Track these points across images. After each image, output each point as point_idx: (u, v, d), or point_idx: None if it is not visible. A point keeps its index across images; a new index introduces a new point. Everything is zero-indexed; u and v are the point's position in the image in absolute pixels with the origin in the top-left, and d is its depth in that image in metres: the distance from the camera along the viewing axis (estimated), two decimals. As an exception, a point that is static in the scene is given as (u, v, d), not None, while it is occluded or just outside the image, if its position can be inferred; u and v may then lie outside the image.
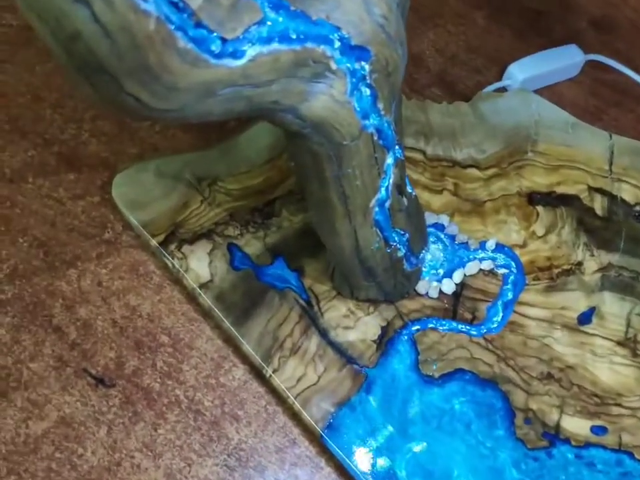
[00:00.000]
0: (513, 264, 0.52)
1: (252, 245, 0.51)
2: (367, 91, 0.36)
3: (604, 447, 0.45)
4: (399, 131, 0.40)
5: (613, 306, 0.51)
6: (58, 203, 0.53)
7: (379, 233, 0.43)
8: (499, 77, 0.65)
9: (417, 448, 0.44)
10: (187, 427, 0.45)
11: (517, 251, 0.53)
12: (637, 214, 0.55)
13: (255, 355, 0.46)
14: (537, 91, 0.63)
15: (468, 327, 0.49)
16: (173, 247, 0.50)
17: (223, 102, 0.31)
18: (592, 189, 0.56)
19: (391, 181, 0.41)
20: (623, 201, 0.56)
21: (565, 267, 0.52)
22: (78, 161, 0.55)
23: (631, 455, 0.45)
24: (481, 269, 0.52)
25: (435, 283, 0.50)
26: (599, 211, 0.55)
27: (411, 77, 0.64)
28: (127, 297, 0.49)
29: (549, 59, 0.64)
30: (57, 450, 0.43)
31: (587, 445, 0.45)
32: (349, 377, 0.46)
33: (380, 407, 0.45)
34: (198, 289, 0.48)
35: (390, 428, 0.44)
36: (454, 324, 0.49)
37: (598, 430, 0.46)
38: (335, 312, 0.49)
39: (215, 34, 0.28)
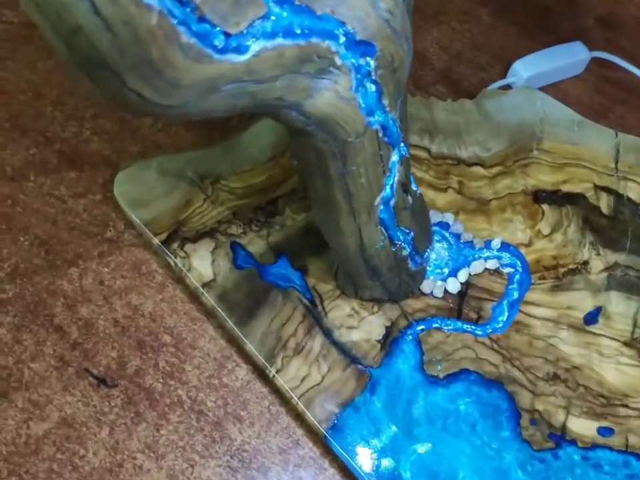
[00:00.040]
0: (519, 263, 0.51)
1: (255, 244, 0.51)
2: (372, 87, 0.35)
3: (610, 448, 0.45)
4: (404, 128, 0.40)
5: (619, 306, 0.50)
6: (59, 201, 0.52)
7: (383, 231, 0.42)
8: (504, 75, 0.64)
9: (422, 449, 0.44)
10: (190, 427, 0.44)
11: (523, 250, 0.52)
12: (643, 212, 0.55)
13: (258, 354, 0.46)
14: (541, 89, 0.62)
15: (473, 327, 0.49)
16: (175, 245, 0.49)
17: (227, 98, 0.30)
18: (598, 188, 0.55)
19: (395, 178, 0.41)
20: (629, 199, 0.55)
21: (571, 266, 0.52)
22: (79, 159, 0.55)
23: (637, 456, 0.44)
24: (486, 268, 0.51)
25: (439, 282, 0.50)
26: (604, 210, 0.54)
27: (415, 75, 0.63)
28: (129, 296, 0.49)
29: (553, 56, 0.64)
30: (58, 451, 0.43)
31: (594, 446, 0.45)
32: (353, 377, 0.46)
33: (384, 407, 0.45)
34: (201, 288, 0.48)
35: (394, 429, 0.44)
36: (459, 324, 0.49)
37: (604, 431, 0.45)
38: (339, 311, 0.48)
39: (218, 28, 0.28)
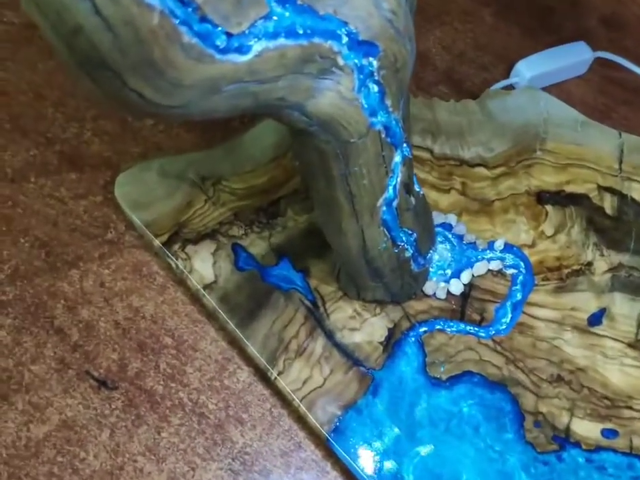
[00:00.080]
0: (522, 264, 0.51)
1: (257, 245, 0.50)
2: (375, 88, 0.35)
3: (615, 451, 0.44)
4: (407, 128, 0.39)
5: (623, 307, 0.50)
6: (60, 202, 0.52)
7: (386, 232, 0.42)
8: (507, 75, 0.64)
9: (425, 451, 0.43)
10: (191, 430, 0.44)
11: (526, 251, 0.52)
12: (647, 213, 0.54)
13: (260, 357, 0.46)
14: (544, 89, 0.62)
15: (476, 329, 0.48)
16: (176, 247, 0.49)
17: (228, 98, 0.30)
18: (601, 188, 0.55)
19: (398, 179, 0.40)
20: (633, 200, 0.55)
21: (575, 267, 0.51)
22: (80, 160, 0.55)
23: (642, 458, 0.44)
24: (489, 270, 0.51)
25: (442, 284, 0.50)
26: (608, 211, 0.54)
27: (418, 75, 0.63)
28: (130, 298, 0.49)
29: (557, 57, 0.63)
30: (58, 454, 0.43)
31: (598, 448, 0.44)
32: (355, 380, 0.45)
33: (387, 409, 0.44)
34: (202, 290, 0.48)
35: (397, 431, 0.44)
36: (462, 325, 0.48)
37: (609, 433, 0.45)
38: (341, 313, 0.48)
39: (220, 29, 0.27)
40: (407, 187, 0.42)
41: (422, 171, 0.55)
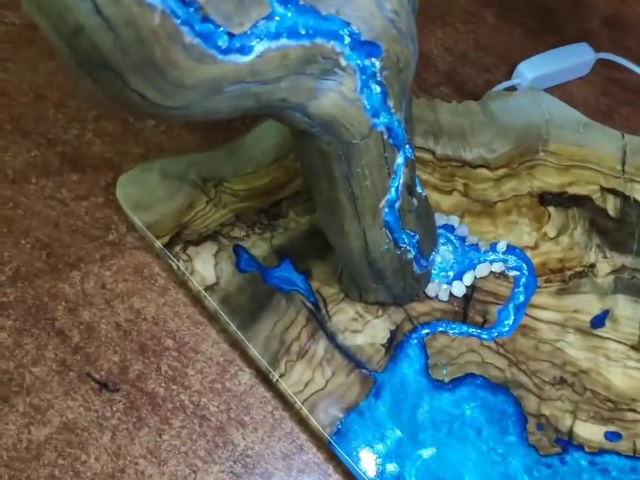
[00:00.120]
0: (525, 266, 0.51)
1: (258, 247, 0.50)
2: (377, 89, 0.35)
3: (618, 454, 0.44)
4: (410, 129, 0.39)
5: (626, 309, 0.50)
6: (61, 203, 0.52)
7: (388, 234, 0.42)
8: (509, 76, 0.64)
9: (427, 454, 0.43)
10: (192, 432, 0.44)
11: (529, 253, 0.52)
12: (650, 215, 0.54)
13: (262, 359, 0.45)
14: (547, 90, 0.62)
15: (479, 331, 0.48)
16: (177, 248, 0.49)
17: (230, 99, 0.30)
18: (604, 190, 0.55)
19: (401, 181, 0.40)
20: (636, 201, 0.55)
21: (578, 269, 0.51)
22: (81, 161, 0.54)
23: (646, 461, 0.44)
24: (491, 271, 0.51)
25: (444, 286, 0.49)
26: (611, 212, 0.54)
27: (420, 76, 0.63)
28: (131, 300, 0.48)
29: (559, 58, 0.63)
30: (59, 456, 0.42)
31: (601, 451, 0.44)
32: (357, 382, 0.45)
33: (389, 412, 0.44)
34: (203, 292, 0.48)
35: (399, 434, 0.44)
36: (464, 327, 0.48)
37: (612, 436, 0.45)
38: (343, 315, 0.48)
39: (221, 29, 0.27)
40: (409, 189, 0.41)
41: (424, 172, 0.54)
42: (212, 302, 0.47)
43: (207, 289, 0.48)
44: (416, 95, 0.60)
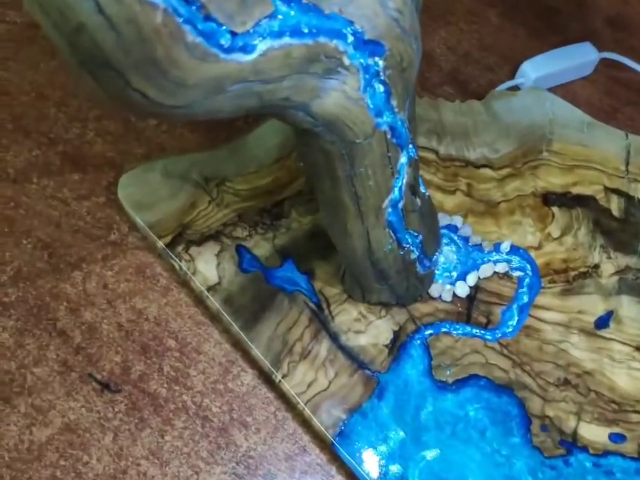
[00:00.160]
0: (528, 266, 0.51)
1: (261, 247, 0.50)
2: (381, 88, 0.35)
3: (623, 455, 0.44)
4: (413, 129, 0.39)
5: (630, 309, 0.50)
6: (62, 203, 0.52)
7: (391, 234, 0.42)
8: (512, 76, 0.63)
9: (431, 456, 0.43)
10: (195, 433, 0.44)
11: (532, 253, 0.51)
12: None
13: (264, 359, 0.45)
14: (550, 90, 0.61)
15: (482, 332, 0.48)
16: (180, 248, 0.49)
17: (233, 98, 0.30)
18: (608, 190, 0.55)
19: (404, 180, 0.40)
20: (640, 201, 0.55)
21: (582, 270, 0.51)
22: (83, 160, 0.54)
23: (651, 463, 0.44)
24: (495, 272, 0.50)
25: (448, 286, 0.49)
26: (615, 212, 0.54)
27: (423, 76, 0.63)
28: (133, 300, 0.48)
29: (562, 57, 0.63)
30: (61, 457, 0.42)
31: (605, 453, 0.44)
32: (360, 383, 0.45)
33: (392, 413, 0.44)
34: (206, 292, 0.47)
35: (402, 435, 0.43)
36: (468, 328, 0.48)
37: (616, 437, 0.44)
38: (346, 315, 0.48)
39: (224, 27, 0.27)
40: (413, 188, 0.41)
41: (427, 172, 0.54)
42: (214, 302, 0.47)
43: (210, 289, 0.48)
44: (419, 94, 0.60)
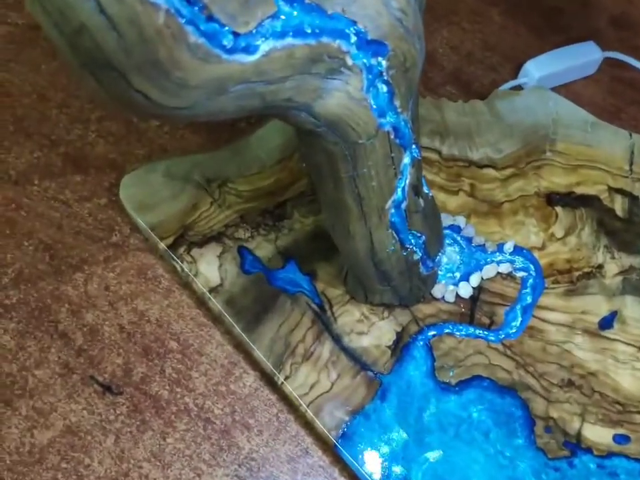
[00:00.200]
0: (532, 267, 0.50)
1: (263, 248, 0.50)
2: (384, 88, 0.35)
3: (627, 457, 0.44)
4: (416, 129, 0.39)
5: (634, 310, 0.49)
6: (64, 205, 0.52)
7: (394, 235, 0.42)
8: (515, 75, 0.63)
9: (434, 457, 0.43)
10: (197, 435, 0.44)
11: (536, 254, 0.51)
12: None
13: (266, 361, 0.45)
14: (553, 89, 0.61)
15: (486, 332, 0.48)
16: (182, 250, 0.49)
17: (235, 99, 0.30)
18: (612, 190, 0.55)
19: (407, 181, 0.40)
20: (644, 201, 0.54)
21: (585, 270, 0.51)
22: (85, 162, 0.54)
23: (655, 464, 0.43)
24: (498, 272, 0.50)
25: (451, 287, 0.49)
26: (619, 212, 0.53)
27: (426, 75, 0.63)
28: (135, 302, 0.48)
29: (566, 57, 0.63)
30: (62, 460, 0.42)
31: (610, 454, 0.44)
32: (363, 384, 0.45)
33: (395, 415, 0.44)
34: (208, 293, 0.47)
35: (405, 436, 0.43)
36: (471, 329, 0.48)
37: (621, 439, 0.44)
38: (349, 317, 0.48)
39: (227, 28, 0.27)
40: (416, 189, 0.41)
41: (430, 172, 0.54)
42: (216, 304, 0.47)
43: (212, 290, 0.47)
44: (422, 94, 0.60)
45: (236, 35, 0.27)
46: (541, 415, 0.45)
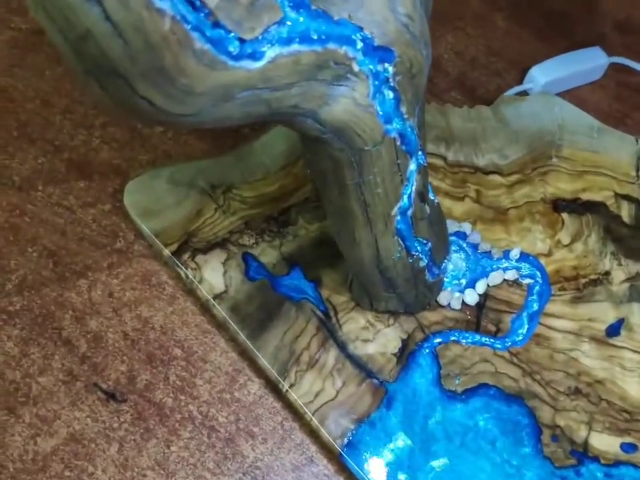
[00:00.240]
0: (538, 274, 0.50)
1: (267, 255, 0.50)
2: (390, 94, 0.34)
3: (634, 465, 0.43)
4: (422, 135, 0.39)
5: (642, 317, 0.49)
6: (68, 211, 0.52)
7: (400, 242, 0.41)
8: (520, 81, 0.63)
9: (440, 466, 0.43)
10: (201, 444, 0.43)
11: (542, 260, 0.51)
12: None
13: (271, 368, 0.45)
14: (559, 95, 0.61)
15: (492, 340, 0.47)
16: (186, 256, 0.49)
17: (241, 106, 0.29)
18: (618, 196, 0.54)
19: (413, 188, 0.40)
20: (650, 208, 0.54)
21: (592, 277, 0.50)
22: (89, 168, 0.54)
23: (663, 474, 0.43)
24: (504, 279, 0.50)
25: (457, 294, 0.49)
26: (626, 219, 0.53)
27: (430, 81, 0.62)
28: (139, 309, 0.48)
29: (571, 62, 0.62)
30: (66, 468, 0.42)
31: (617, 463, 0.43)
32: (368, 392, 0.44)
33: (401, 423, 0.44)
34: (212, 300, 0.47)
35: (411, 445, 0.43)
36: (477, 336, 0.47)
37: (628, 447, 0.44)
38: (354, 324, 0.47)
39: (232, 34, 0.27)
40: (422, 196, 0.41)
41: (435, 178, 0.54)
42: (221, 310, 0.47)
43: (216, 297, 0.47)
44: (427, 100, 0.59)
45: (242, 41, 0.27)
46: (548, 424, 0.44)
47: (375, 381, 0.45)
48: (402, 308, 0.47)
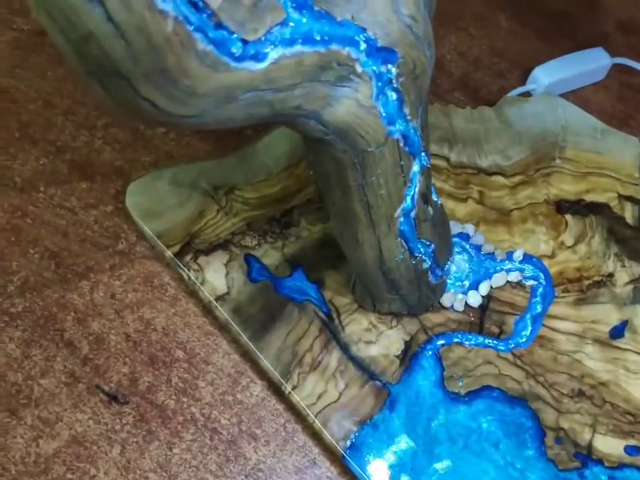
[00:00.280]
0: (542, 275, 0.50)
1: (270, 256, 0.49)
2: (393, 95, 0.34)
3: (639, 468, 0.43)
4: (425, 137, 0.38)
5: (645, 319, 0.49)
6: (70, 212, 0.52)
7: (403, 243, 0.41)
8: (523, 82, 0.63)
9: (443, 468, 0.42)
10: (203, 446, 0.43)
11: (546, 262, 0.51)
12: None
13: (274, 370, 0.45)
14: (561, 96, 0.61)
15: (495, 342, 0.47)
16: (188, 258, 0.48)
17: (244, 107, 0.29)
18: (622, 197, 0.54)
19: (416, 189, 0.39)
20: (654, 209, 0.54)
21: (596, 279, 0.50)
22: (91, 169, 0.54)
23: (667, 477, 0.43)
24: (508, 281, 0.50)
25: (460, 296, 0.48)
26: (629, 220, 0.53)
27: (433, 82, 0.62)
28: (141, 310, 0.48)
29: (574, 63, 0.62)
30: (68, 470, 0.42)
31: (621, 465, 0.43)
32: (371, 394, 0.44)
33: (404, 425, 0.43)
34: (214, 302, 0.47)
35: (414, 447, 0.43)
36: (480, 338, 0.47)
37: (632, 450, 0.44)
38: (357, 325, 0.47)
39: (235, 35, 0.27)
40: (425, 197, 0.41)
41: (438, 179, 0.54)
42: (223, 312, 0.47)
43: (218, 298, 0.47)
44: (429, 101, 0.59)
45: (245, 42, 0.27)
46: (552, 426, 0.44)
47: (378, 382, 0.45)
48: (405, 310, 0.47)
